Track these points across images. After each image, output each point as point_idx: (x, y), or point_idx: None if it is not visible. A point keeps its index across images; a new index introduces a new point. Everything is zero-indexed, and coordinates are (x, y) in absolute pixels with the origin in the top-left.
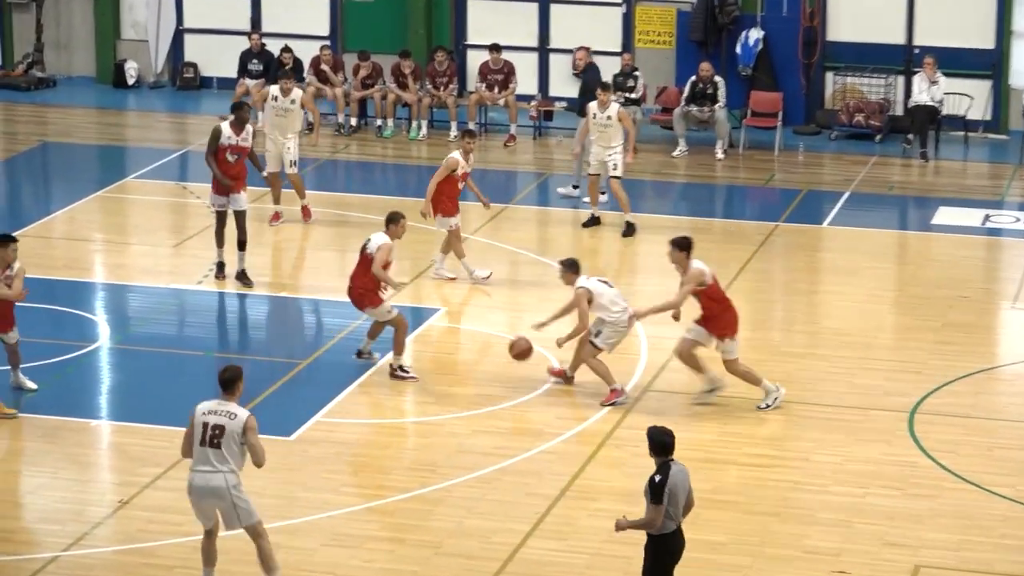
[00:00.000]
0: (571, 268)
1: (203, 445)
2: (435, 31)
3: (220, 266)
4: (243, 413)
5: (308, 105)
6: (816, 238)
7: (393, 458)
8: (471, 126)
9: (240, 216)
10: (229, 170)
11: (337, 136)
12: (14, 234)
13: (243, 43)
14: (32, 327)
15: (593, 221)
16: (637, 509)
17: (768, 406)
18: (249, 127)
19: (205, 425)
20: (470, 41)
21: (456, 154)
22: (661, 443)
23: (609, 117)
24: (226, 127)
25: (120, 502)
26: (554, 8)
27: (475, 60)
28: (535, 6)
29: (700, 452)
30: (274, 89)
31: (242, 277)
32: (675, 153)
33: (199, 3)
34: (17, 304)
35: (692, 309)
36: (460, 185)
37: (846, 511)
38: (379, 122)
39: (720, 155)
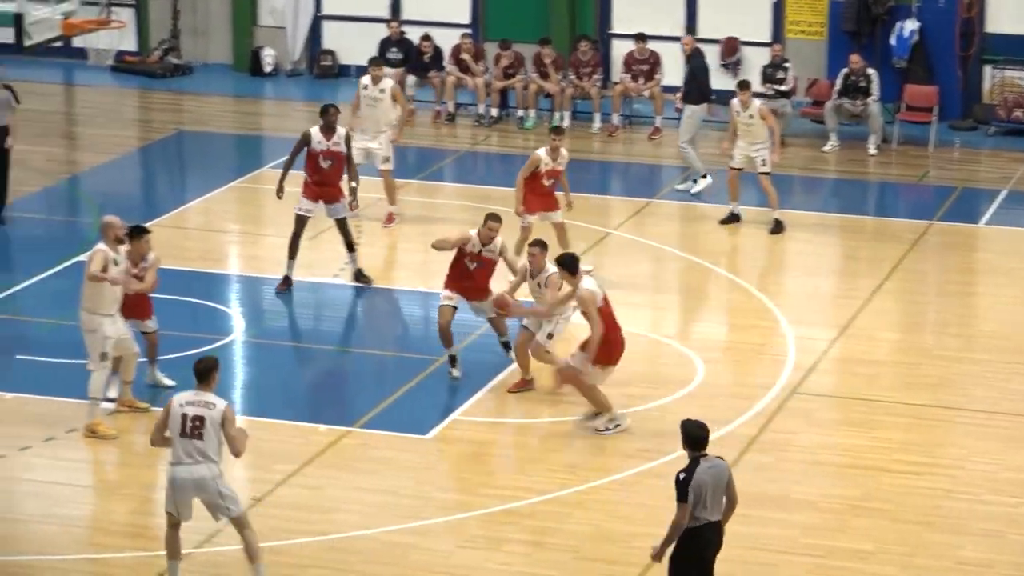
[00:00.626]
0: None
1: (184, 437)
2: (579, 19)
3: (286, 280)
4: (221, 403)
5: (398, 98)
6: (971, 238)
7: (531, 459)
8: (564, 123)
9: (341, 223)
10: (324, 176)
11: (478, 127)
12: (148, 224)
13: (382, 31)
14: (167, 319)
15: (732, 218)
16: (783, 515)
17: (607, 429)
18: (341, 130)
19: (184, 416)
20: (615, 30)
21: (541, 151)
22: (694, 437)
23: (751, 116)
24: (316, 132)
25: (254, 499)
26: None
27: (620, 50)
28: None
29: (849, 457)
30: (364, 79)
31: (360, 276)
32: (826, 148)
33: None
34: (153, 295)
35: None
36: (546, 182)
37: (999, 521)
38: (520, 113)
39: (872, 150)
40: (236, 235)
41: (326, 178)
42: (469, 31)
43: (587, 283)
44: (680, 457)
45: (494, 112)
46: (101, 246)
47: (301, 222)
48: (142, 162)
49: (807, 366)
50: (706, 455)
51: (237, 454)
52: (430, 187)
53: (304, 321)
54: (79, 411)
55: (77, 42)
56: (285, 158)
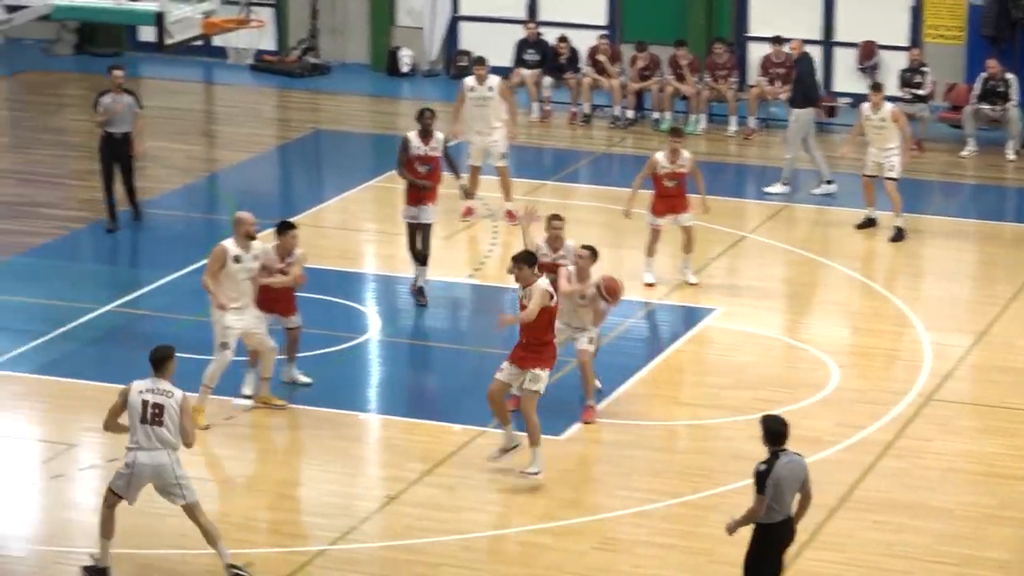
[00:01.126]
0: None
1: (144, 423)
2: (716, 22)
3: (420, 291)
4: (179, 392)
5: (505, 95)
6: None
7: (665, 461)
8: (700, 125)
9: (425, 229)
10: (422, 179)
11: (613, 129)
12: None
13: (519, 32)
14: (303, 317)
15: (868, 223)
16: (918, 522)
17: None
18: (439, 135)
19: (145, 404)
20: (751, 32)
21: (659, 154)
22: (774, 432)
23: (883, 119)
24: (413, 136)
25: (388, 497)
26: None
27: (756, 53)
28: None
29: (985, 465)
30: (469, 80)
31: (419, 293)
32: (963, 153)
33: None
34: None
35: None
36: (668, 184)
37: None
38: (656, 115)
39: (1011, 156)
40: (372, 234)
41: (424, 181)
42: (606, 32)
43: (543, 283)
44: (815, 462)
45: (630, 114)
46: (225, 241)
47: (413, 229)
48: (280, 160)
49: (944, 372)
50: (785, 450)
51: (188, 445)
52: (565, 188)
53: (439, 321)
54: (217, 407)
55: (217, 41)
56: (397, 168)
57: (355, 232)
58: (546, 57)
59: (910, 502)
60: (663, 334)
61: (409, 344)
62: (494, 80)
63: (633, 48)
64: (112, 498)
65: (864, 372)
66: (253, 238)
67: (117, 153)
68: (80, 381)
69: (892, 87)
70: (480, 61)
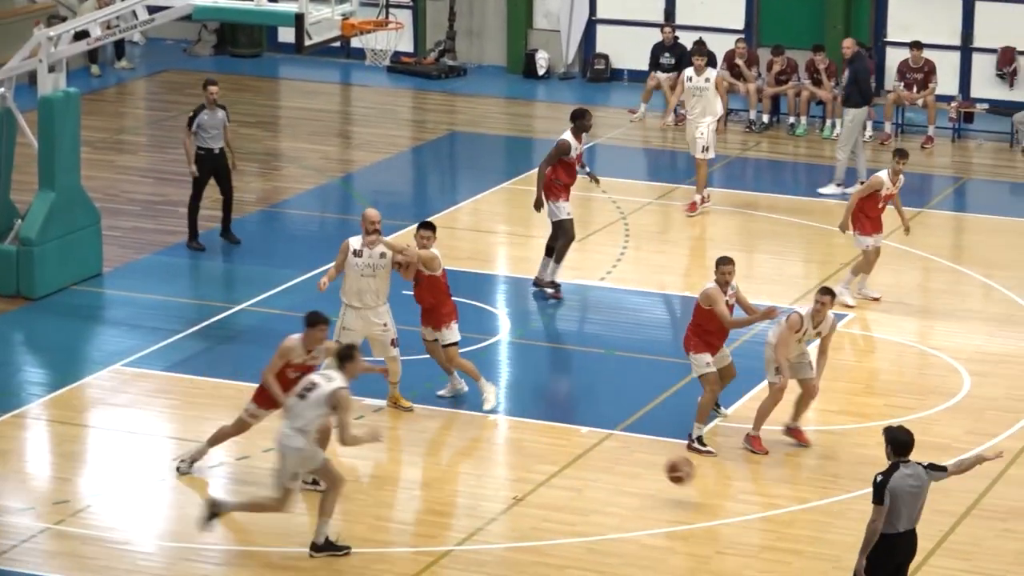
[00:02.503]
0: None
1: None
2: (853, 26)
3: (556, 286)
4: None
5: (721, 88)
6: None
7: (793, 466)
8: (836, 131)
9: (566, 225)
10: (574, 180)
11: (748, 133)
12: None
13: (655, 35)
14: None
15: None
16: None
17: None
18: (585, 135)
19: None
20: (890, 37)
21: (883, 173)
22: (899, 442)
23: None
24: (571, 138)
25: (515, 499)
26: (979, 5)
27: (894, 57)
28: (959, 1)
29: None
30: (688, 70)
31: (551, 285)
32: None
33: None
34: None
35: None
36: (881, 206)
37: None
38: (792, 119)
39: None
40: (504, 236)
41: (574, 181)
42: (743, 36)
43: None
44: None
45: (765, 118)
46: (353, 237)
47: (569, 227)
48: (414, 162)
49: None
50: (908, 461)
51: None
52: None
53: (568, 323)
54: None
55: (355, 42)
56: (540, 173)
57: (487, 234)
58: (683, 61)
59: None
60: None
61: (539, 346)
62: (712, 72)
63: (770, 52)
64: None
65: (996, 380)
66: (372, 235)
67: (216, 169)
68: (213, 379)
69: None
70: (698, 52)
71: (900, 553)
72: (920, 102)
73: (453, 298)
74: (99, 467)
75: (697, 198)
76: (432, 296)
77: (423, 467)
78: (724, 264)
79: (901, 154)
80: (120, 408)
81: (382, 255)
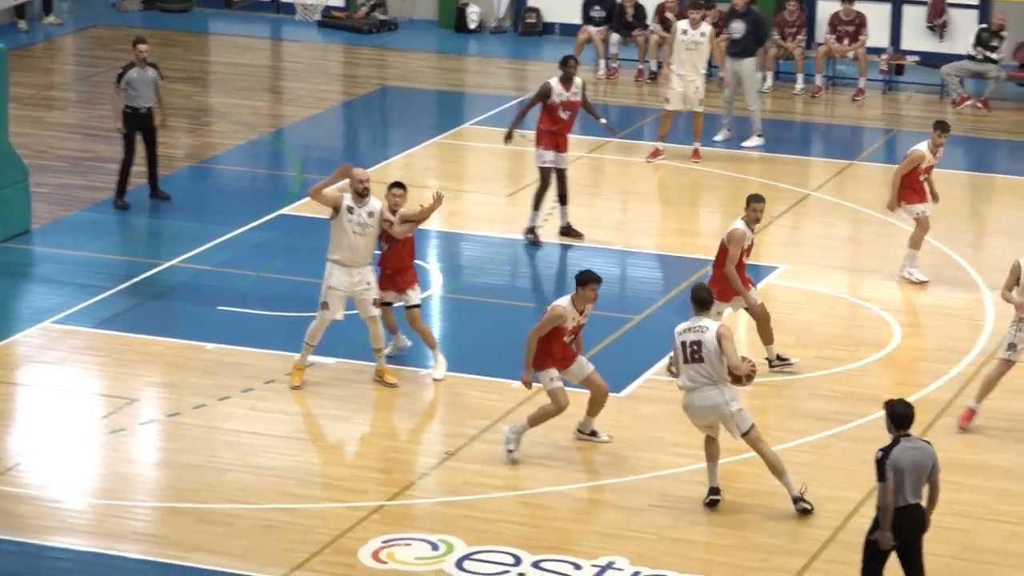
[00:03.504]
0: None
1: (687, 363)
2: None
3: (532, 231)
4: (713, 324)
5: (713, 45)
6: None
7: None
8: (767, 84)
9: (562, 173)
10: (562, 126)
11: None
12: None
13: None
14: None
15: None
16: (977, 481)
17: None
18: (578, 80)
19: (684, 344)
20: None
21: (923, 146)
22: (899, 415)
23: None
24: (555, 83)
25: (447, 453)
26: None
27: (825, 11)
28: None
29: None
30: (683, 23)
31: (568, 231)
32: None
33: None
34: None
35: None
36: (922, 178)
37: None
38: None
39: None
40: (436, 190)
41: (563, 128)
42: None
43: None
44: (874, 421)
45: None
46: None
47: (548, 175)
48: (346, 117)
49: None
50: (909, 435)
51: (734, 369)
52: (631, 146)
53: (501, 278)
54: (278, 363)
55: None
56: (520, 108)
57: (419, 188)
58: (613, 14)
59: (969, 461)
60: None
61: (472, 301)
62: (706, 27)
63: (701, 4)
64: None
65: (926, 331)
66: (363, 195)
67: (142, 127)
68: (143, 336)
69: (961, 46)
70: (696, 5)
71: (904, 528)
72: (851, 55)
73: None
74: (28, 425)
75: (698, 144)
76: (399, 260)
77: (355, 423)
78: (755, 201)
79: (942, 127)
80: (49, 365)
81: (370, 214)
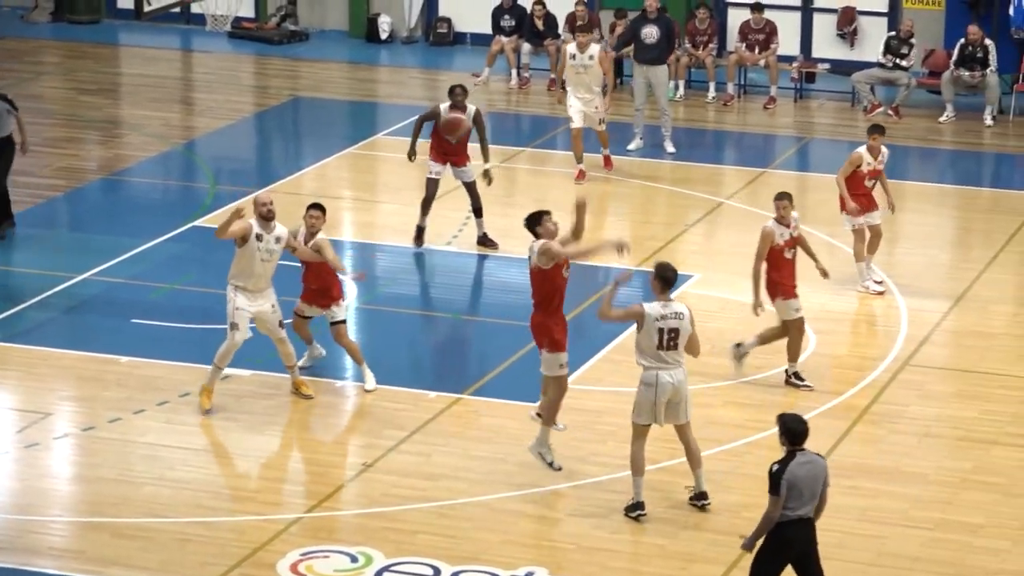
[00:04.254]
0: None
1: (661, 349)
2: None
3: (420, 230)
4: (685, 309)
5: (604, 64)
6: None
7: None
8: (679, 93)
9: (470, 186)
10: (450, 148)
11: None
12: (264, 190)
13: None
14: (280, 284)
15: None
16: (893, 487)
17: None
18: (471, 108)
19: (660, 332)
20: None
21: (862, 149)
22: (793, 431)
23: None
24: (444, 109)
25: (364, 464)
26: None
27: (735, 19)
28: None
29: (961, 430)
30: (571, 47)
31: (484, 240)
32: (942, 119)
33: None
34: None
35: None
36: (868, 183)
37: None
38: (632, 82)
39: (989, 121)
40: (350, 201)
41: (452, 149)
42: None
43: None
44: None
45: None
46: (251, 219)
47: (433, 186)
48: (258, 128)
49: (920, 338)
50: (803, 449)
51: (695, 355)
52: (542, 155)
53: (415, 288)
54: (192, 375)
55: (195, 8)
56: (413, 124)
57: (333, 199)
58: (523, 23)
59: (885, 467)
60: (640, 299)
61: (386, 311)
62: (595, 48)
63: (612, 15)
64: (638, 430)
65: (840, 338)
66: (268, 219)
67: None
68: (55, 350)
69: (872, 53)
70: (584, 29)
71: (792, 542)
72: (762, 63)
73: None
74: None
75: (606, 152)
76: (321, 278)
77: (270, 434)
78: (777, 199)
79: (875, 130)
80: None
81: (277, 240)
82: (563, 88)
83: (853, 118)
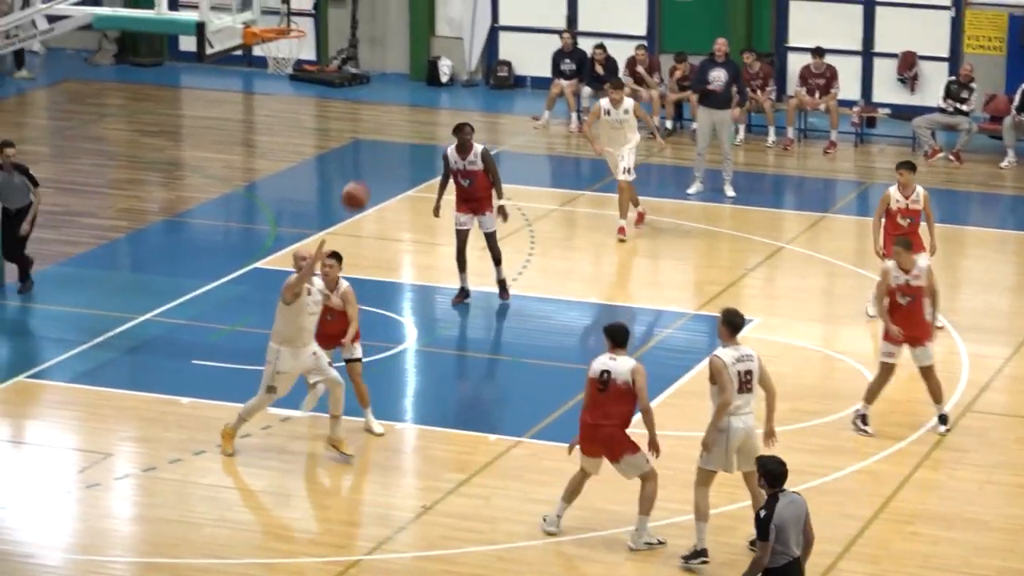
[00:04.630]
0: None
1: (741, 392)
2: (755, 31)
3: (462, 291)
4: (755, 353)
5: (640, 113)
6: None
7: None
8: (789, 133)
9: (489, 237)
10: (467, 193)
11: (652, 139)
12: (324, 233)
13: (559, 42)
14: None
15: None
16: (953, 534)
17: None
18: (478, 147)
19: (739, 373)
20: (791, 43)
21: (892, 188)
22: (774, 473)
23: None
24: (451, 151)
25: (424, 507)
26: (879, 10)
27: (795, 63)
28: (860, 8)
29: (1022, 477)
30: (604, 102)
31: (501, 288)
32: (1003, 164)
33: (515, 0)
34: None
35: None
36: (901, 221)
37: None
38: (695, 125)
39: None
40: (410, 244)
41: (469, 195)
42: (644, 43)
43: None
44: (851, 474)
45: (668, 124)
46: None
47: (462, 236)
48: (318, 170)
49: (981, 384)
50: (784, 491)
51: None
52: (602, 199)
53: (476, 331)
54: (253, 417)
55: (257, 51)
56: (439, 178)
57: (392, 242)
58: (583, 67)
59: (946, 513)
60: (701, 344)
61: (446, 354)
62: (629, 103)
63: (672, 58)
64: (710, 476)
65: (901, 383)
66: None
67: (13, 227)
68: (117, 390)
69: (932, 98)
70: (616, 84)
71: None
72: (822, 107)
73: (363, 307)
74: (3, 480)
75: (623, 222)
76: (341, 325)
77: (330, 477)
78: (896, 168)
79: (903, 166)
80: (24, 420)
81: (320, 291)
82: (580, 132)
83: (914, 163)
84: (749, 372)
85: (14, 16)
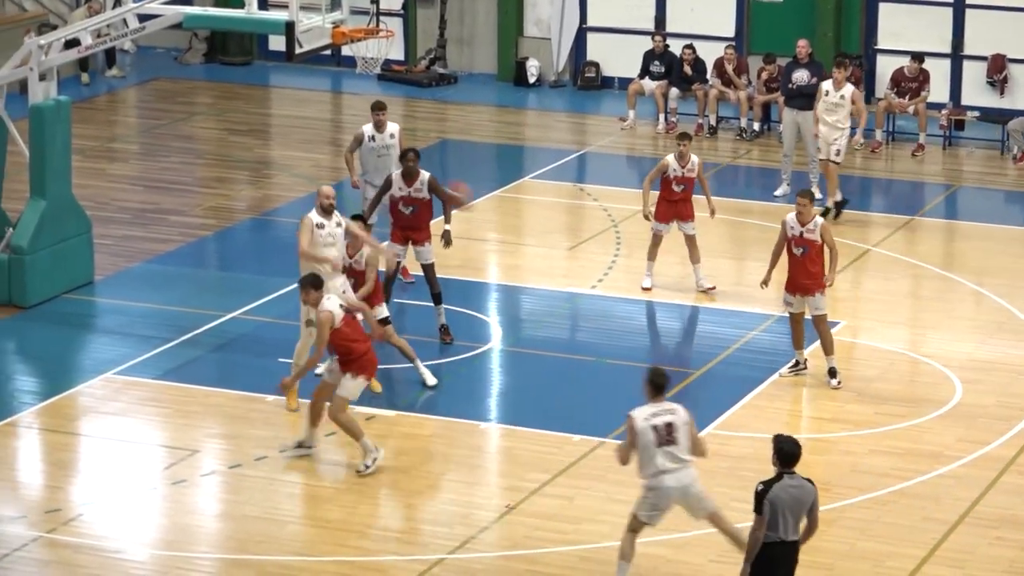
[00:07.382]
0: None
1: (660, 446)
2: (844, 34)
3: (385, 320)
4: (680, 408)
5: (857, 101)
6: None
7: None
8: (878, 135)
9: (428, 269)
10: (407, 222)
11: (739, 140)
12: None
13: (646, 43)
14: (426, 326)
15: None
16: None
17: (367, 467)
18: (424, 175)
19: (655, 428)
20: (880, 45)
21: (670, 157)
22: (786, 453)
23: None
24: (396, 177)
25: (507, 507)
26: (969, 12)
27: (884, 65)
28: (949, 10)
29: None
30: (826, 84)
31: (442, 330)
32: None
33: (603, 1)
34: (413, 303)
35: None
36: (675, 188)
37: None
38: (782, 127)
39: None
40: (495, 244)
41: (409, 223)
42: (733, 44)
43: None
44: (936, 478)
45: (756, 126)
46: (310, 212)
47: (395, 267)
48: None
49: None
50: (793, 473)
51: (703, 454)
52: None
53: (560, 331)
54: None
55: (345, 51)
56: (374, 196)
57: (478, 242)
58: (672, 69)
59: None
60: (785, 346)
61: (530, 354)
62: (848, 88)
63: (760, 60)
64: (639, 524)
65: (988, 387)
66: (328, 212)
67: None
68: (204, 387)
69: (1021, 101)
70: (841, 64)
71: (774, 564)
72: (911, 110)
73: (448, 307)
74: (91, 476)
75: (837, 198)
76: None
77: (414, 475)
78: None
79: (684, 136)
80: (112, 416)
81: (337, 224)
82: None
83: (1003, 167)
84: (669, 424)
85: (106, 15)
